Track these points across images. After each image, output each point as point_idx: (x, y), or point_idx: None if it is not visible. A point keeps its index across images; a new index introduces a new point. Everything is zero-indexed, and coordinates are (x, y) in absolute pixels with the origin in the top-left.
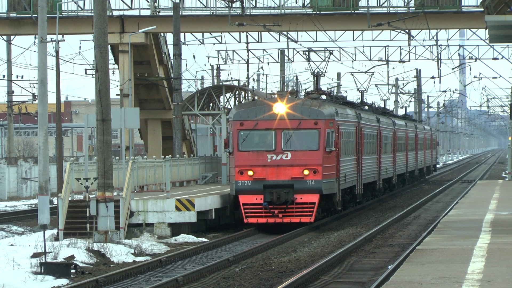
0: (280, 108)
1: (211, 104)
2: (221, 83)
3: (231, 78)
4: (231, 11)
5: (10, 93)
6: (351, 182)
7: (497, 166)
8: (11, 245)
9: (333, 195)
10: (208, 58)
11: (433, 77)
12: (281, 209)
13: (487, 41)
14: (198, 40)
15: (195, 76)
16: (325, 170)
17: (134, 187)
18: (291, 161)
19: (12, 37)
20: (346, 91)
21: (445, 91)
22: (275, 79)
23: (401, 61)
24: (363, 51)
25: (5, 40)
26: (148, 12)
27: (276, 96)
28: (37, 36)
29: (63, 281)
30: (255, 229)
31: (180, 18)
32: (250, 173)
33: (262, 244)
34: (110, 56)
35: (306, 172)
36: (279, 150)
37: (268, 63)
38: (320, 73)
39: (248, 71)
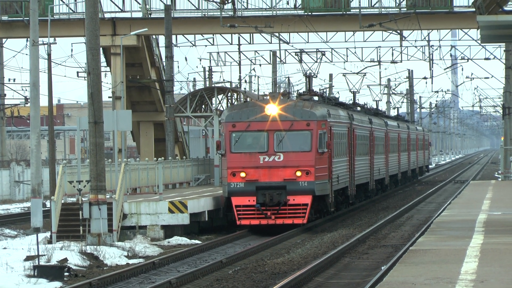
0: (272, 109)
1: (203, 106)
2: (213, 85)
3: (223, 80)
4: (223, 13)
5: (2, 96)
6: (343, 183)
7: (490, 166)
8: (4, 248)
9: (326, 196)
10: (200, 60)
11: (425, 78)
12: (273, 211)
13: (479, 41)
14: (190, 42)
15: (187, 78)
16: (318, 172)
17: (127, 190)
18: (284, 163)
19: (3, 40)
20: (338, 92)
21: (437, 92)
22: (267, 80)
23: (393, 61)
24: (355, 52)
25: None
26: (139, 15)
27: (268, 97)
28: (29, 39)
29: (57, 284)
30: (248, 230)
31: (172, 20)
32: (243, 174)
33: (255, 245)
34: (102, 59)
35: (298, 173)
36: (271, 151)
37: (260, 65)
38: (312, 74)
39: (240, 73)
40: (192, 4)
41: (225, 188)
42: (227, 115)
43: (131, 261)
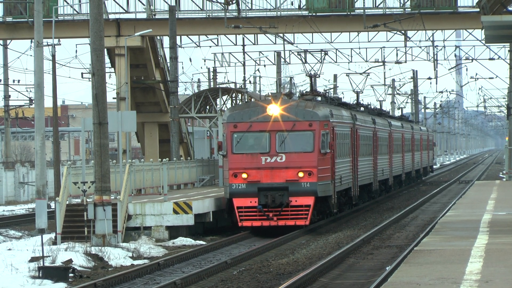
0: (274, 109)
1: (207, 107)
2: (217, 86)
3: (228, 80)
4: (227, 14)
5: (7, 97)
6: (346, 184)
7: (495, 166)
8: (9, 249)
9: (329, 197)
10: (205, 61)
11: (429, 78)
12: (276, 212)
13: (483, 42)
14: (194, 43)
15: (192, 78)
16: (320, 172)
17: (132, 191)
18: (286, 164)
19: (8, 41)
20: (343, 93)
21: (441, 92)
22: (272, 81)
23: (397, 62)
24: (359, 53)
25: (1, 45)
26: (144, 16)
27: (270, 97)
28: (33, 40)
29: (61, 285)
30: (251, 232)
31: (176, 21)
32: (244, 175)
33: (260, 246)
34: (107, 60)
35: (301, 174)
36: (273, 152)
37: (265, 65)
38: (316, 74)
39: (244, 74)
40: (197, 5)
41: (227, 189)
42: (229, 116)
43: (136, 262)
